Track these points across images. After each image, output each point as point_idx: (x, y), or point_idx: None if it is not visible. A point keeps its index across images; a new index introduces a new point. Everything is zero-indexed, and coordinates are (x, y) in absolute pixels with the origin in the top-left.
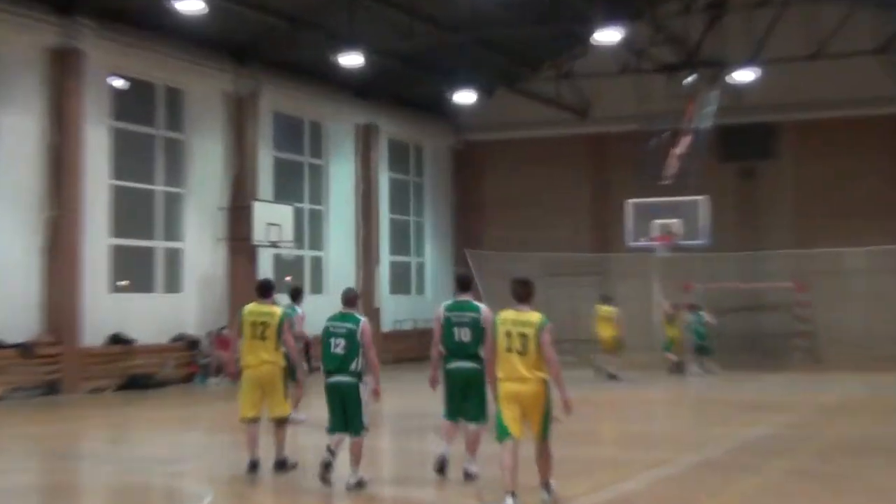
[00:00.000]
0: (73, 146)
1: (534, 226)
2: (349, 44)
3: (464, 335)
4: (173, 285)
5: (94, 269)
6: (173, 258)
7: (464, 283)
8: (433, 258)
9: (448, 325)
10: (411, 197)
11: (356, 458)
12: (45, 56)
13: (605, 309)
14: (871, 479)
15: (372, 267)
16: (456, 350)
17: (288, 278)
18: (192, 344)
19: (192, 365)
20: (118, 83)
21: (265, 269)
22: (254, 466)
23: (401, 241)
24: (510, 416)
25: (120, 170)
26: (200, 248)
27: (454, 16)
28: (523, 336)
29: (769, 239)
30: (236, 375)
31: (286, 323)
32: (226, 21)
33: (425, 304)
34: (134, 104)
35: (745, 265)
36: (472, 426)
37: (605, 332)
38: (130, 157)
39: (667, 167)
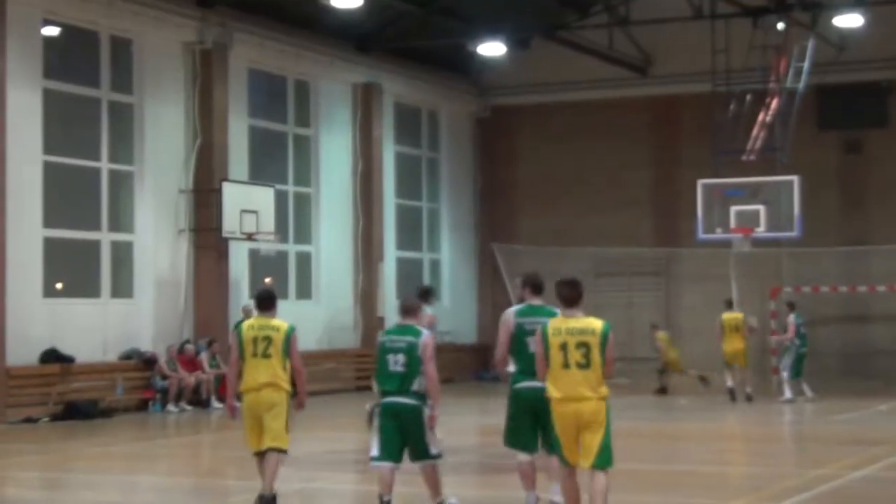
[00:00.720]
0: None
1: (579, 214)
2: None
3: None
4: (123, 289)
5: (23, 268)
6: (122, 254)
7: (537, 285)
8: (452, 254)
9: (520, 334)
10: (424, 177)
11: (434, 485)
12: None
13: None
14: None
15: (374, 265)
16: (529, 365)
17: (268, 280)
18: (147, 362)
19: (146, 389)
20: (50, 32)
21: (239, 267)
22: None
23: (411, 232)
24: (569, 442)
25: (54, 142)
26: (157, 241)
27: None
28: (584, 346)
29: (879, 231)
30: (234, 408)
31: (293, 338)
32: None
33: (442, 311)
34: (71, 59)
35: (848, 264)
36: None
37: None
38: (67, 127)
39: (750, 139)
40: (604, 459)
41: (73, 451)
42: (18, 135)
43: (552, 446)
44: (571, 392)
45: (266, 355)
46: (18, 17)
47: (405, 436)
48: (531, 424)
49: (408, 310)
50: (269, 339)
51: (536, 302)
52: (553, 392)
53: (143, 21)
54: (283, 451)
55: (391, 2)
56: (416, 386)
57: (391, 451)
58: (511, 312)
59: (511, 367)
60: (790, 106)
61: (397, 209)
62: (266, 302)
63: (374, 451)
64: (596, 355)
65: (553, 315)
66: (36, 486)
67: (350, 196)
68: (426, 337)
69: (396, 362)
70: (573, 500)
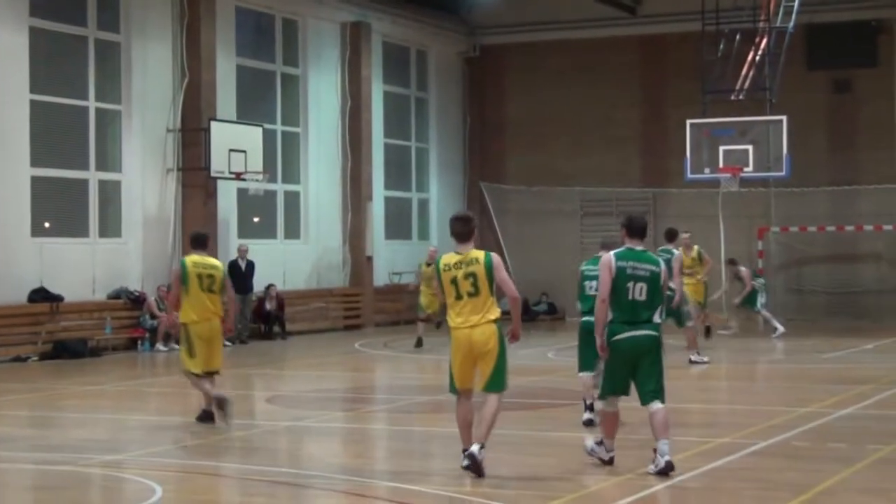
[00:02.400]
0: None
1: (567, 154)
2: None
3: (640, 293)
4: (111, 228)
5: (11, 207)
6: (110, 193)
7: (635, 228)
8: (440, 193)
9: (621, 279)
10: (412, 116)
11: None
12: None
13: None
14: None
15: (363, 205)
16: (628, 312)
17: (256, 220)
18: (135, 302)
19: (135, 328)
20: None
21: (227, 207)
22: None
23: (399, 172)
24: (463, 368)
25: (41, 81)
26: (145, 180)
27: None
28: (472, 276)
29: (867, 170)
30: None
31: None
32: None
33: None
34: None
35: (836, 203)
36: (655, 406)
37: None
38: (54, 65)
39: (739, 78)
40: (495, 383)
41: (62, 389)
42: (4, 74)
43: (653, 393)
44: (465, 320)
45: (211, 290)
46: None
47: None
48: (628, 375)
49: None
50: (212, 277)
51: (638, 246)
52: (449, 321)
53: None
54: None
55: None
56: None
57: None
58: (611, 256)
59: (608, 315)
60: (779, 45)
61: (386, 149)
62: (200, 242)
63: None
64: (484, 283)
65: (656, 262)
66: (26, 425)
67: (338, 135)
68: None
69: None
70: (465, 425)
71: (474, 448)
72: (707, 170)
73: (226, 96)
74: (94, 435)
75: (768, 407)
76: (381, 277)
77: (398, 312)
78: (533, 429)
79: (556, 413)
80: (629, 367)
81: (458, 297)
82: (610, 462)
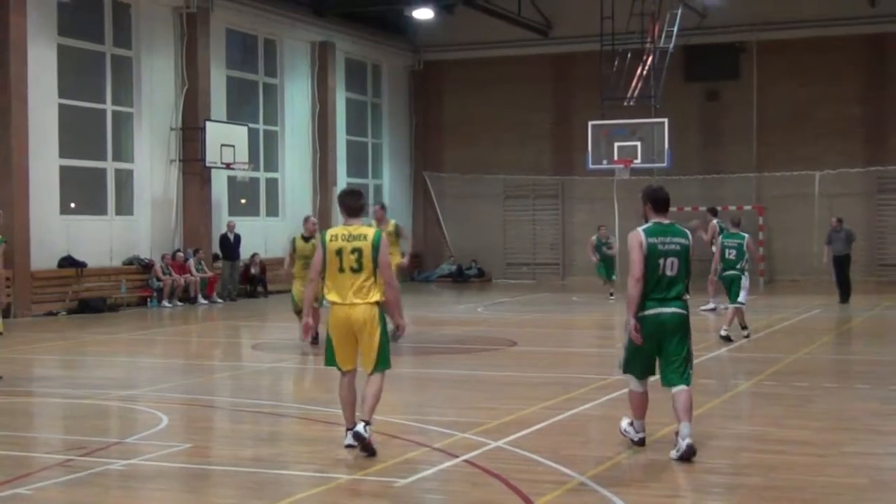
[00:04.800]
0: (18, 65)
1: (494, 148)
2: None
3: (671, 268)
4: (125, 208)
5: (44, 191)
6: (124, 180)
7: (659, 200)
8: (391, 180)
9: (653, 255)
10: (369, 118)
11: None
12: None
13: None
14: (828, 401)
15: (329, 189)
16: (660, 289)
17: (243, 201)
18: (145, 267)
19: (145, 288)
20: None
21: (219, 191)
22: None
23: (358, 163)
24: (343, 348)
25: (67, 89)
26: (152, 169)
27: None
28: (358, 251)
29: (731, 162)
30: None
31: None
32: None
33: None
34: (80, 20)
35: (707, 188)
36: (677, 388)
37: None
38: (78, 76)
39: (629, 88)
40: (379, 363)
41: (85, 338)
42: (38, 83)
43: (678, 374)
44: (344, 298)
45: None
46: None
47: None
48: (654, 353)
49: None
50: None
51: (664, 220)
52: (328, 296)
53: None
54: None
55: None
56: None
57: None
58: (641, 233)
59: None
60: (662, 62)
61: (348, 144)
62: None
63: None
64: (368, 260)
65: (684, 235)
66: (57, 366)
67: (309, 133)
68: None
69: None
70: (349, 403)
71: (360, 427)
72: (605, 161)
73: (218, 101)
74: (112, 374)
75: None
76: None
77: None
78: (471, 369)
79: (489, 356)
80: (654, 345)
81: (341, 269)
82: (640, 443)
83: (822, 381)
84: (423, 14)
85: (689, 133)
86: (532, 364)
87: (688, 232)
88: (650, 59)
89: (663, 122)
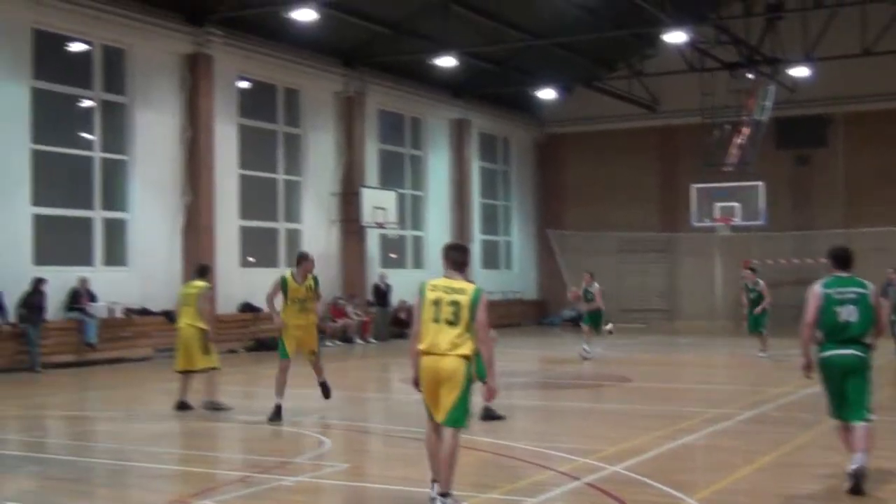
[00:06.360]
0: (207, 140)
1: (608, 208)
2: (444, 47)
3: (849, 315)
4: (294, 261)
5: (226, 247)
6: (293, 237)
7: (839, 258)
8: (519, 237)
9: (828, 304)
10: (500, 183)
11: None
12: (181, 61)
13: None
14: None
15: (466, 244)
16: (837, 333)
17: (393, 255)
18: None
19: None
20: (243, 85)
21: (373, 246)
22: None
23: (491, 222)
24: (430, 396)
25: (246, 161)
26: (316, 228)
27: (537, 22)
28: (455, 304)
29: (820, 220)
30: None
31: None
32: (336, 29)
33: (512, 277)
34: (257, 103)
35: (798, 244)
36: (856, 423)
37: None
38: (255, 150)
39: (728, 155)
40: (454, 418)
41: (260, 372)
42: (223, 156)
43: (850, 414)
44: (434, 347)
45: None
46: (222, 74)
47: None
48: (838, 391)
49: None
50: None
51: (843, 274)
52: (420, 344)
53: (306, 76)
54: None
55: (477, 61)
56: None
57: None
58: (818, 284)
59: (818, 336)
60: (757, 132)
61: (482, 206)
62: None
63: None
64: (465, 314)
65: (863, 285)
66: (237, 396)
67: (449, 197)
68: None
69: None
70: (431, 452)
71: (437, 497)
72: (706, 220)
73: (371, 170)
74: (283, 404)
75: (750, 387)
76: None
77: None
78: (590, 402)
79: (606, 390)
80: (837, 384)
81: (436, 320)
82: (854, 475)
83: None
84: (547, 94)
85: (782, 194)
86: (644, 398)
87: (869, 284)
88: (746, 129)
89: (760, 185)
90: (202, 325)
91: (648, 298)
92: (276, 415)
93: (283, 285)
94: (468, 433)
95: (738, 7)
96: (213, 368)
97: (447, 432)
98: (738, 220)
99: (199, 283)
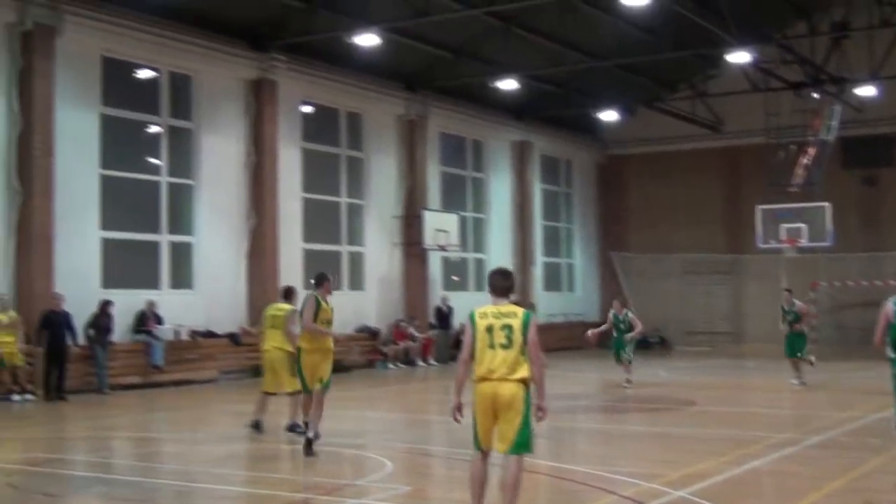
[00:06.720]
0: (271, 165)
1: (671, 230)
2: (506, 70)
3: None
4: (357, 283)
5: (290, 269)
6: (356, 260)
7: None
8: (581, 259)
9: None
10: (562, 205)
11: None
12: (246, 87)
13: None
14: None
15: (528, 267)
16: None
17: (455, 278)
18: (373, 334)
19: (373, 352)
20: (307, 109)
21: (434, 269)
22: None
23: (553, 244)
24: (485, 425)
25: (310, 184)
26: (379, 251)
27: (599, 43)
28: (508, 328)
29: (889, 241)
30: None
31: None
32: (398, 53)
33: (574, 300)
34: (320, 127)
35: (866, 265)
36: None
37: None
38: (318, 174)
39: (794, 176)
40: (519, 444)
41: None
42: (286, 180)
43: None
44: (491, 373)
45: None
46: (286, 99)
47: None
48: None
49: None
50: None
51: None
52: (475, 372)
53: (369, 101)
54: None
55: (539, 83)
56: None
57: None
58: (890, 301)
59: (889, 353)
60: (823, 152)
61: (544, 228)
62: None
63: None
64: (518, 336)
65: None
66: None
67: (510, 219)
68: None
69: None
70: (479, 484)
71: None
72: (772, 241)
73: (433, 193)
74: (345, 426)
75: (816, 412)
76: (541, 318)
77: (553, 343)
78: (654, 425)
79: (670, 414)
80: None
81: (491, 346)
82: None
83: None
84: (609, 116)
85: (849, 215)
86: (708, 422)
87: None
88: (812, 149)
89: (826, 206)
90: (289, 347)
91: (713, 321)
92: (309, 447)
93: (317, 306)
94: (530, 456)
95: (802, 26)
96: (300, 391)
97: (511, 459)
98: (804, 242)
99: (285, 306)
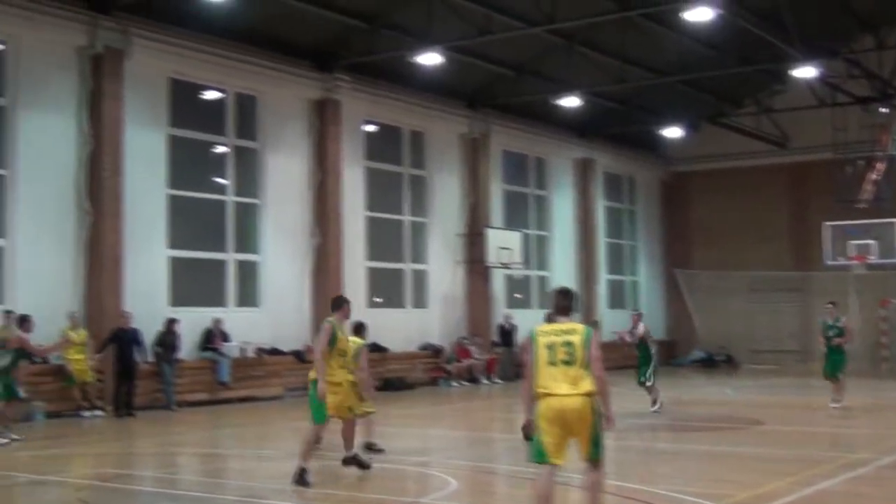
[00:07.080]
0: (334, 183)
1: (737, 247)
2: (568, 88)
3: None
4: (420, 301)
5: (354, 287)
6: (420, 278)
7: None
8: (646, 277)
9: None
10: (625, 223)
11: None
12: (310, 107)
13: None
14: None
15: (592, 285)
16: None
17: (518, 295)
18: (436, 352)
19: (437, 370)
20: (370, 128)
21: (498, 286)
22: None
23: (616, 261)
24: (555, 439)
25: (373, 203)
26: (442, 269)
27: (662, 60)
28: (569, 344)
29: None
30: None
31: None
32: (460, 72)
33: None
34: (384, 146)
35: None
36: None
37: None
38: (381, 192)
39: (862, 191)
40: (597, 451)
41: (388, 412)
42: (350, 198)
43: None
44: (556, 388)
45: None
46: (349, 118)
47: None
48: None
49: None
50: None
51: None
52: (539, 388)
53: (431, 119)
54: None
55: (601, 100)
56: None
57: None
58: None
59: None
60: (891, 167)
61: (607, 246)
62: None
63: None
64: (579, 351)
65: None
66: (362, 435)
67: (574, 237)
68: None
69: None
70: (545, 499)
71: None
72: (841, 258)
73: (496, 210)
74: (409, 444)
75: (888, 431)
76: (606, 335)
77: (617, 360)
78: (720, 445)
79: (737, 433)
80: None
81: (552, 363)
82: None
83: None
84: (673, 132)
85: None
86: (777, 441)
87: None
88: (880, 164)
89: (895, 222)
90: (351, 377)
91: (780, 339)
92: (302, 478)
93: (332, 335)
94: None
95: (869, 40)
96: (370, 412)
97: (595, 465)
98: (873, 258)
99: (357, 340)
